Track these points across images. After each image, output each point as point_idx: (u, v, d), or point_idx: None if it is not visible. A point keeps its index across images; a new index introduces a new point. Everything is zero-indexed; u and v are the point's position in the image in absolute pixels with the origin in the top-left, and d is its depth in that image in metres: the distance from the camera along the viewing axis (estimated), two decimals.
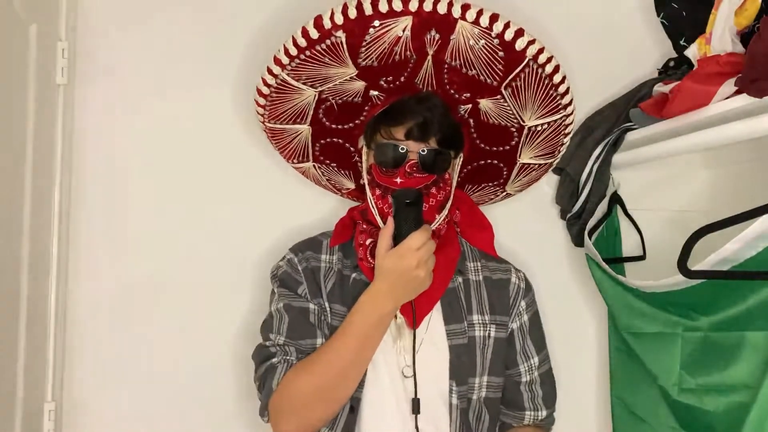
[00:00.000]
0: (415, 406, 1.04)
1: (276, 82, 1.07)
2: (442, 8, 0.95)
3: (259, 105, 1.14)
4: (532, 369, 1.18)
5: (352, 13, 0.95)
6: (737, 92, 1.03)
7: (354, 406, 1.05)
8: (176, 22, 1.38)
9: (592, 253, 1.34)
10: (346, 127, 1.18)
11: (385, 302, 1.01)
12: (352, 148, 1.23)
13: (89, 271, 1.34)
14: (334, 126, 1.18)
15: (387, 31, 0.98)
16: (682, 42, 1.36)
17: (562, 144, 1.22)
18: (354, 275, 1.11)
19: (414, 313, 1.06)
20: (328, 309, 1.09)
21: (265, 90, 1.10)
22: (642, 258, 1.36)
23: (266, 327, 1.10)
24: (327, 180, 1.32)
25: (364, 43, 0.99)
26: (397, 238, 1.02)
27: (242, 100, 1.39)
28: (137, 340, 1.34)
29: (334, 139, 1.21)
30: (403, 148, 1.06)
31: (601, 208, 1.38)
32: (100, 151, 1.35)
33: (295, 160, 1.28)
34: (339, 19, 0.96)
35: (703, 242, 0.99)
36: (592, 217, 1.38)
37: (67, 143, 1.31)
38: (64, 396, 1.31)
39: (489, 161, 1.26)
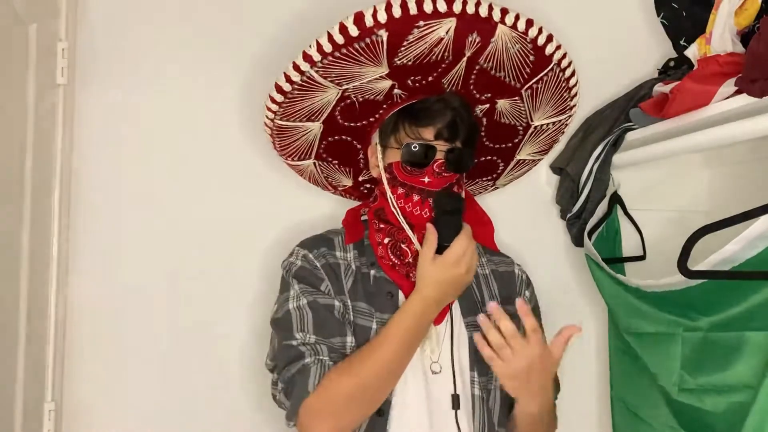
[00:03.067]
0: (455, 402, 1.05)
1: (301, 79, 1.03)
2: (483, 11, 0.96)
3: (274, 102, 1.09)
4: None
5: (397, 12, 0.93)
6: (737, 92, 1.03)
7: (383, 408, 1.04)
8: (176, 22, 1.38)
9: (591, 253, 1.34)
10: (359, 124, 1.17)
11: (433, 308, 1.03)
12: (359, 146, 1.22)
13: (89, 271, 1.34)
14: (347, 124, 1.16)
15: (431, 32, 0.97)
16: (682, 42, 1.36)
17: (557, 141, 1.29)
18: (373, 272, 1.11)
19: (451, 314, 1.08)
20: (350, 307, 1.08)
21: (287, 87, 1.05)
22: (642, 258, 1.36)
23: (284, 325, 1.05)
24: (324, 178, 1.31)
25: (405, 43, 0.98)
26: (441, 245, 1.03)
27: (242, 99, 1.39)
28: (137, 340, 1.34)
29: (343, 137, 1.20)
30: (433, 147, 1.07)
31: (601, 208, 1.38)
32: (100, 151, 1.35)
33: (294, 159, 1.25)
34: (382, 18, 0.93)
35: (703, 242, 0.99)
36: (592, 217, 1.38)
37: (67, 143, 1.31)
38: (64, 396, 1.31)
39: (489, 158, 1.28)
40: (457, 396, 1.05)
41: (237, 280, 1.37)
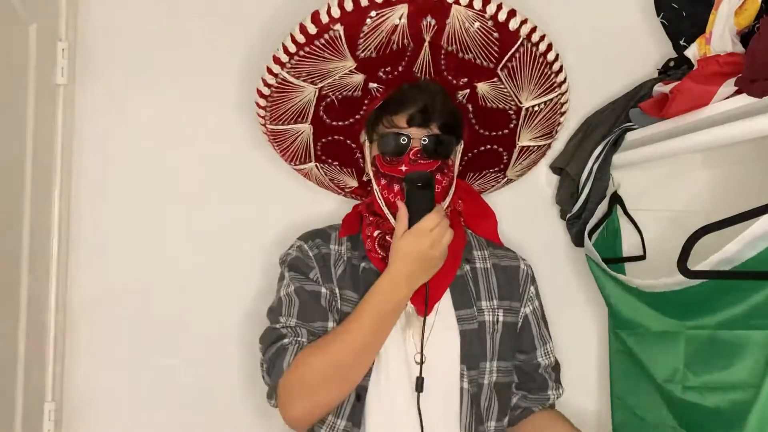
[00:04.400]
0: (419, 385, 1.05)
1: (276, 81, 1.08)
2: None
3: (260, 107, 1.15)
4: (548, 353, 1.21)
5: (349, 6, 0.97)
6: (737, 92, 1.03)
7: (360, 394, 1.05)
8: (176, 22, 1.38)
9: (591, 253, 1.34)
10: (346, 123, 1.19)
11: (402, 284, 1.02)
12: (353, 145, 1.24)
13: (89, 271, 1.34)
14: (334, 123, 1.19)
15: (384, 20, 0.99)
16: (682, 42, 1.36)
17: (559, 123, 1.25)
18: (363, 264, 1.12)
19: (427, 300, 1.07)
20: (338, 294, 1.10)
21: (266, 90, 1.10)
22: (642, 258, 1.36)
23: (275, 311, 1.09)
24: (330, 180, 1.32)
25: (361, 34, 1.01)
26: (411, 221, 1.02)
27: (242, 99, 1.39)
28: (138, 340, 1.34)
29: (336, 137, 1.22)
30: (406, 135, 1.07)
31: (602, 208, 1.38)
32: (100, 150, 1.35)
33: (297, 162, 1.28)
34: (336, 13, 0.97)
35: (703, 242, 0.99)
36: (592, 217, 1.38)
37: (67, 143, 1.31)
38: (64, 396, 1.31)
39: (489, 146, 1.28)
40: (422, 379, 1.05)
41: (238, 280, 1.38)
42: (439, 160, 1.08)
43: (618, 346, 1.33)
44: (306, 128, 1.19)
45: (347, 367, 1.02)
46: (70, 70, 1.31)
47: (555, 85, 1.16)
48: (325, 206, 1.41)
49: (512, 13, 1.02)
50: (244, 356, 1.37)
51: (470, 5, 0.99)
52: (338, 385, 1.02)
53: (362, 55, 1.04)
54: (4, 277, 1.12)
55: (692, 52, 1.14)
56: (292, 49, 1.02)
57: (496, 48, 1.06)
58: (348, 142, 1.23)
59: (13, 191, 1.15)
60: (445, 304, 1.11)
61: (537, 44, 1.07)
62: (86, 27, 1.35)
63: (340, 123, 1.19)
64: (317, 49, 1.02)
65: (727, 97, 1.06)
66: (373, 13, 0.98)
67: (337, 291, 1.10)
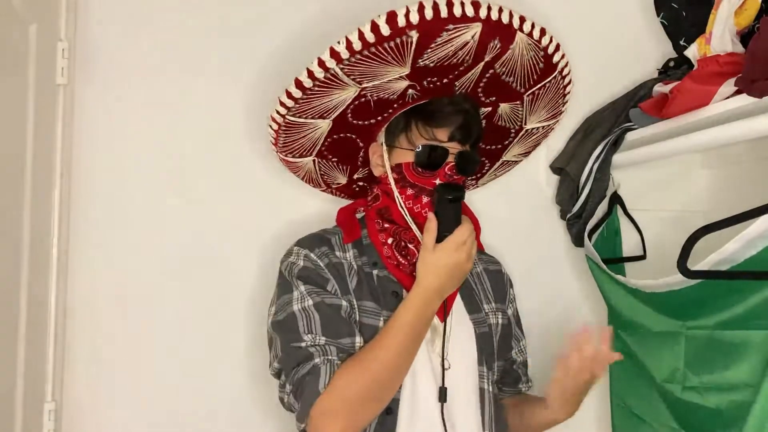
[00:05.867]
0: (442, 395, 1.05)
1: (324, 76, 1.02)
2: (505, 18, 0.98)
3: (291, 97, 1.07)
4: (522, 350, 1.26)
5: (429, 14, 0.94)
6: (737, 92, 1.04)
7: (392, 407, 1.04)
8: (176, 22, 1.38)
9: (591, 254, 1.34)
10: (367, 123, 1.16)
11: (435, 297, 1.03)
12: (362, 144, 1.21)
13: (89, 271, 1.34)
14: (355, 122, 1.15)
15: (459, 35, 0.98)
16: (682, 42, 1.36)
17: (540, 144, 1.33)
18: (376, 272, 1.10)
19: (446, 307, 1.07)
20: (356, 306, 1.07)
21: (308, 83, 1.03)
22: (642, 258, 1.36)
23: (289, 327, 1.03)
24: (321, 175, 1.30)
25: (432, 45, 0.98)
26: (441, 233, 1.03)
27: (241, 99, 1.39)
28: (138, 340, 1.34)
29: (349, 135, 1.19)
30: (446, 150, 1.08)
31: (602, 208, 1.38)
32: (100, 151, 1.35)
33: (295, 155, 1.23)
34: (415, 19, 0.94)
35: (703, 242, 0.99)
36: (592, 218, 1.38)
37: (67, 143, 1.31)
38: (64, 396, 1.31)
39: (480, 158, 1.31)
40: (445, 389, 1.05)
41: (237, 279, 1.37)
42: (466, 177, 1.11)
43: (618, 346, 1.33)
44: (325, 124, 1.15)
45: (385, 384, 1.01)
46: (70, 70, 1.31)
47: (559, 113, 1.23)
48: (316, 206, 1.40)
49: (558, 48, 1.07)
50: (244, 357, 1.37)
51: (530, 34, 1.02)
52: (378, 402, 1.01)
53: (422, 63, 1.02)
54: (4, 277, 1.12)
55: (692, 52, 1.14)
56: (357, 46, 0.96)
57: (535, 76, 1.11)
58: (358, 140, 1.20)
59: (13, 191, 1.15)
60: (458, 310, 1.12)
61: (564, 77, 1.14)
62: (86, 27, 1.35)
63: (361, 122, 1.16)
64: (383, 51, 0.98)
65: (727, 97, 1.06)
66: (450, 27, 0.96)
67: (354, 302, 1.07)
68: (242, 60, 1.39)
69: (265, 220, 1.39)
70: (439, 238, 1.03)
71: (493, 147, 1.29)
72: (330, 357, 1.00)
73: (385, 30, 0.95)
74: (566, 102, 1.21)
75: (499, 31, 0.99)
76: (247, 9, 1.40)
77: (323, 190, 1.36)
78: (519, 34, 1.01)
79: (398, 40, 0.97)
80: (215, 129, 1.39)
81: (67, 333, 1.32)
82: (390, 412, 1.04)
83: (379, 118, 1.15)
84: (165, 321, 1.35)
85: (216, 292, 1.37)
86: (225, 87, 1.39)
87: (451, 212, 1.05)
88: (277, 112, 1.11)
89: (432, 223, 1.04)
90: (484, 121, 1.20)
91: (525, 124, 1.23)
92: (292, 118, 1.12)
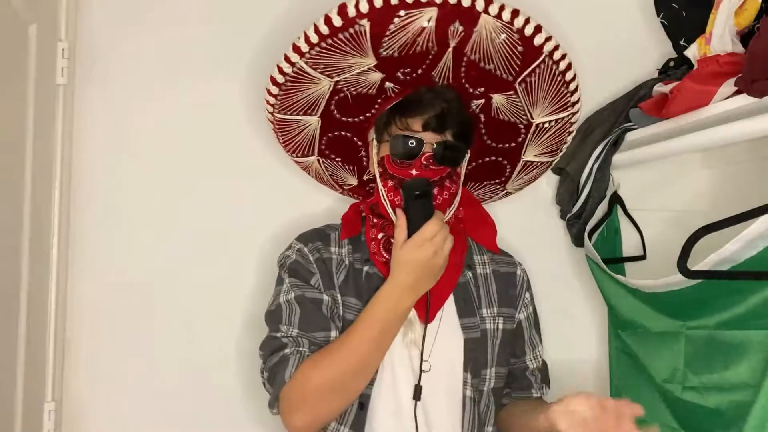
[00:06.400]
0: (417, 393, 1.04)
1: (293, 71, 1.05)
2: (466, 1, 0.96)
3: (271, 94, 1.12)
4: (537, 357, 1.22)
5: (378, 2, 0.95)
6: (737, 92, 1.03)
7: (363, 402, 1.05)
8: (176, 22, 1.38)
9: (591, 254, 1.34)
10: (356, 120, 1.18)
11: (406, 294, 1.01)
12: (359, 143, 1.22)
13: (89, 271, 1.34)
14: (344, 119, 1.17)
15: (412, 21, 0.97)
16: (682, 42, 1.36)
17: (565, 142, 1.24)
18: (366, 268, 1.11)
19: (428, 307, 1.06)
20: (340, 302, 1.08)
21: (280, 78, 1.07)
22: (642, 258, 1.36)
23: (274, 318, 1.07)
24: (330, 176, 1.32)
25: (387, 33, 0.99)
26: (411, 229, 1.02)
27: (242, 97, 1.39)
28: (137, 340, 1.34)
29: (343, 133, 1.20)
30: (420, 140, 1.06)
31: (602, 208, 1.38)
32: (100, 151, 1.35)
33: (298, 154, 1.26)
34: (364, 8, 0.95)
35: (703, 242, 0.99)
36: (592, 218, 1.38)
37: (67, 143, 1.31)
38: (64, 396, 1.31)
39: (493, 158, 1.27)
40: (420, 387, 1.05)
41: (238, 277, 1.38)
42: (449, 167, 1.08)
43: (618, 346, 1.33)
44: (314, 121, 1.17)
45: (350, 378, 1.01)
46: (70, 70, 1.31)
47: (569, 104, 1.15)
48: (324, 204, 1.41)
49: (538, 29, 1.01)
50: (244, 356, 1.37)
51: (499, 16, 0.98)
52: (341, 396, 1.01)
53: (384, 53, 1.03)
54: (4, 277, 1.12)
55: (692, 52, 1.14)
56: (314, 39, 1.00)
57: (518, 61, 1.06)
58: (354, 139, 1.22)
59: (13, 191, 1.15)
60: (449, 312, 1.11)
61: (558, 62, 1.07)
62: (86, 27, 1.35)
63: (349, 119, 1.17)
64: (339, 42, 1.00)
65: (727, 97, 1.06)
66: (401, 13, 0.96)
67: (339, 298, 1.08)
68: (242, 58, 1.39)
69: (264, 218, 1.39)
70: (410, 235, 1.02)
71: (507, 145, 1.24)
72: (301, 349, 1.02)
73: (337, 21, 0.97)
74: (574, 92, 1.13)
75: (459, 15, 0.97)
76: (247, 8, 1.40)
77: (339, 192, 1.37)
78: (484, 17, 0.98)
79: (351, 30, 0.98)
80: (216, 128, 1.39)
81: (67, 333, 1.32)
82: (362, 407, 1.04)
83: (368, 114, 1.16)
84: (165, 321, 1.35)
85: (217, 292, 1.37)
86: (225, 86, 1.39)
87: (419, 208, 1.03)
88: (267, 110, 1.16)
89: (401, 220, 1.03)
90: (482, 115, 1.18)
91: (532, 118, 1.18)
92: (280, 115, 1.16)
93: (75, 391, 1.32)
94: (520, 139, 1.23)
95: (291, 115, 1.16)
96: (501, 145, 1.25)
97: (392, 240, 1.08)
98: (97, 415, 1.33)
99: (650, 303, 1.19)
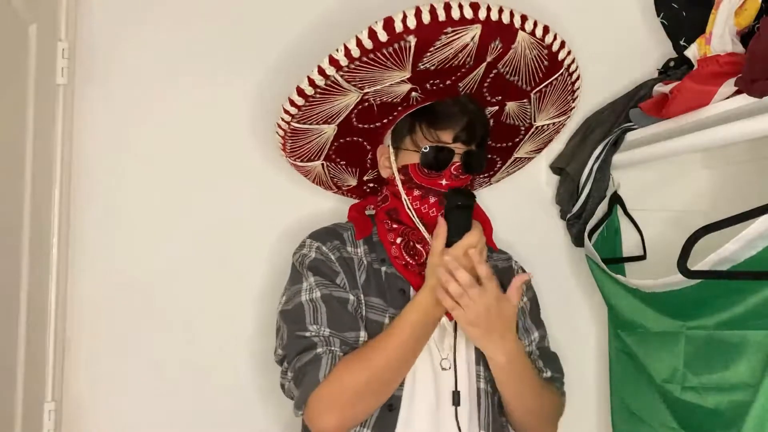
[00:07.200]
0: (456, 399, 1.06)
1: (325, 83, 1.02)
2: (506, 18, 0.98)
3: (294, 105, 1.07)
4: (530, 343, 1.20)
5: (426, 18, 0.93)
6: (737, 92, 1.03)
7: (393, 404, 1.05)
8: (176, 22, 1.38)
9: (591, 254, 1.34)
10: (372, 126, 1.17)
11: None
12: (369, 147, 1.22)
13: (89, 271, 1.34)
14: (360, 125, 1.16)
15: (458, 38, 0.98)
16: (682, 42, 1.36)
17: (552, 140, 1.33)
18: (384, 268, 1.12)
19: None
20: (363, 301, 1.08)
21: (309, 90, 1.04)
22: (642, 258, 1.36)
23: (295, 317, 1.05)
24: (330, 178, 1.31)
25: (431, 49, 0.98)
26: (451, 238, 1.04)
27: (242, 98, 1.39)
28: (137, 340, 1.34)
29: (355, 138, 1.20)
30: (452, 151, 1.09)
31: (601, 208, 1.38)
32: (100, 151, 1.35)
33: (304, 160, 1.24)
34: (412, 23, 0.94)
35: (703, 242, 0.99)
36: (592, 218, 1.38)
37: (67, 143, 1.31)
38: (64, 396, 1.31)
39: (490, 156, 1.31)
40: (458, 393, 1.06)
41: (238, 277, 1.37)
42: (475, 175, 1.11)
43: (618, 346, 1.33)
44: (330, 129, 1.16)
45: (383, 381, 1.02)
46: (70, 70, 1.31)
47: (569, 109, 1.23)
48: (325, 205, 1.40)
49: (563, 45, 1.07)
50: (246, 356, 1.37)
51: (533, 33, 1.01)
52: (376, 398, 1.02)
53: (422, 67, 1.02)
54: (4, 277, 1.12)
55: (692, 52, 1.14)
56: (356, 53, 0.96)
57: (540, 74, 1.11)
58: (365, 144, 1.21)
59: (13, 191, 1.15)
60: None
61: (572, 74, 1.14)
62: (86, 27, 1.35)
63: (366, 126, 1.17)
64: (381, 57, 0.98)
65: (727, 97, 1.06)
66: (448, 30, 0.95)
67: (362, 297, 1.08)
68: (243, 58, 1.39)
69: (264, 218, 1.39)
70: (449, 244, 1.04)
71: (504, 145, 1.29)
72: (333, 348, 1.02)
73: (383, 36, 0.95)
74: (576, 98, 1.21)
75: (500, 32, 0.99)
76: (247, 8, 1.40)
77: (334, 192, 1.37)
78: (521, 33, 1.00)
79: (396, 46, 0.97)
80: (216, 128, 1.39)
81: (67, 333, 1.32)
82: (392, 408, 1.05)
83: (385, 121, 1.16)
84: (165, 321, 1.35)
85: (217, 292, 1.37)
86: (225, 86, 1.39)
87: (461, 218, 1.06)
88: (282, 119, 1.12)
89: (441, 228, 1.05)
90: (491, 120, 1.20)
91: (534, 121, 1.22)
92: (297, 125, 1.13)
93: (75, 391, 1.32)
94: (518, 139, 1.28)
95: (308, 124, 1.13)
96: (498, 144, 1.28)
97: (418, 245, 1.11)
98: (97, 415, 1.33)
99: (650, 303, 1.19)
